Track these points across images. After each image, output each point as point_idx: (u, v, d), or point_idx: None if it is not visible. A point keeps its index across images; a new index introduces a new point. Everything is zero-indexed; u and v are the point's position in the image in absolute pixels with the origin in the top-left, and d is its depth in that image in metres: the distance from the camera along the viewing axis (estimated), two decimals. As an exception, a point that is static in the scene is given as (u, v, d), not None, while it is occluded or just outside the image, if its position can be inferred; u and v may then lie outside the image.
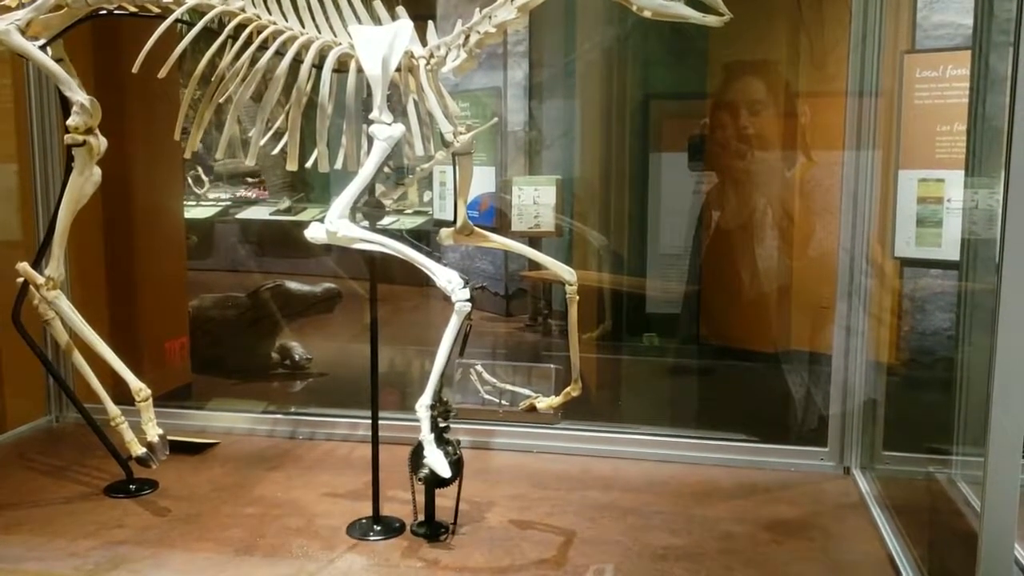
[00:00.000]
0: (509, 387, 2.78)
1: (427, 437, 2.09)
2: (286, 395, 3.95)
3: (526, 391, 2.63)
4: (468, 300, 2.07)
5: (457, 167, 2.32)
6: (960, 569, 1.73)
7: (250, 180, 5.73)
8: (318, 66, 2.21)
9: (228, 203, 5.76)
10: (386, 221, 5.17)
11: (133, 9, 2.35)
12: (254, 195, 5.77)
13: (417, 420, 2.14)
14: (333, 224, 2.09)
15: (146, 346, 3.58)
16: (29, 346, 2.60)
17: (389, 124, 2.12)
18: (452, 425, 3.02)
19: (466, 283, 2.09)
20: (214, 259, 5.46)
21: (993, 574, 1.58)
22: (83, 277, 3.35)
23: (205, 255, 5.42)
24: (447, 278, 2.08)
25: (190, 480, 2.71)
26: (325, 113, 2.19)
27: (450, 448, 2.19)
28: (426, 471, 2.15)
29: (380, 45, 2.13)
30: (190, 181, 5.74)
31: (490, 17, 2.12)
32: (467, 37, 2.16)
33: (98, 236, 3.46)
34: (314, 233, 2.13)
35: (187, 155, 2.38)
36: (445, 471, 2.08)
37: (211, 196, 5.75)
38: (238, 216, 5.56)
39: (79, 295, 3.22)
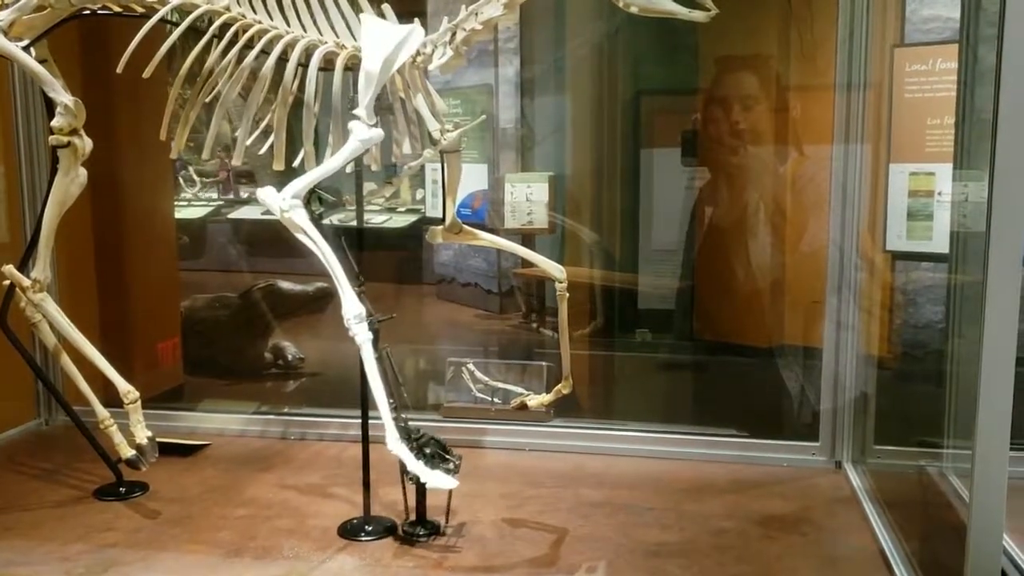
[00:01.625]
0: (501, 385, 2.78)
1: (415, 468, 2.01)
2: (279, 395, 3.94)
3: (518, 389, 2.63)
4: (363, 335, 2.01)
5: (445, 165, 2.31)
6: (950, 561, 1.73)
7: (206, 179, 5.72)
8: (304, 65, 2.19)
9: (220, 203, 5.75)
10: (378, 220, 5.17)
11: (117, 9, 2.33)
12: (219, 192, 5.76)
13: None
14: (287, 202, 2.06)
15: (138, 348, 3.57)
16: (17, 349, 2.59)
17: (370, 126, 2.09)
18: (446, 424, 3.03)
19: (370, 316, 2.05)
20: (205, 259, 5.45)
21: (981, 566, 1.58)
22: (73, 279, 3.34)
23: (196, 255, 5.40)
24: (353, 311, 2.02)
25: (181, 482, 2.70)
26: (311, 112, 2.18)
27: (451, 465, 2.16)
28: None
29: (387, 45, 2.10)
30: (181, 181, 5.72)
31: (477, 14, 2.11)
32: (454, 34, 2.15)
33: (88, 237, 3.44)
34: (267, 197, 2.08)
35: (174, 155, 2.36)
36: (449, 484, 2.02)
37: (190, 196, 5.74)
38: (229, 216, 5.55)
39: (69, 297, 3.20)
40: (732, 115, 3.95)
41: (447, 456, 2.20)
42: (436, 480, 2.01)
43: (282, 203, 2.06)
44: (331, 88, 2.18)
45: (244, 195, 5.80)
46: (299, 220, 2.07)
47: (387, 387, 2.07)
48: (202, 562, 2.18)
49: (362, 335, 2.02)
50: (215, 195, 5.81)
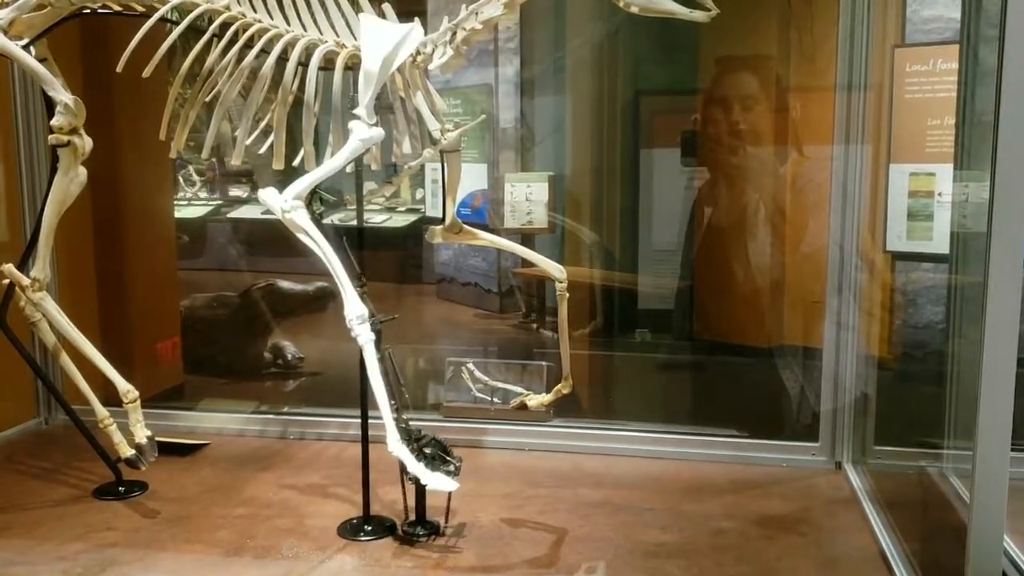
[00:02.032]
0: (500, 385, 2.77)
1: (416, 470, 2.02)
2: (278, 395, 3.94)
3: (517, 388, 2.62)
4: (365, 336, 2.01)
5: (445, 165, 2.31)
6: (951, 562, 1.73)
7: (197, 179, 5.73)
8: (304, 64, 2.19)
9: (219, 202, 5.75)
10: (378, 219, 5.17)
11: (117, 8, 2.33)
12: (207, 191, 5.77)
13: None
14: (288, 203, 2.05)
15: (137, 347, 3.56)
16: (16, 348, 2.58)
17: (371, 125, 2.09)
18: (446, 424, 3.03)
19: (372, 317, 2.05)
20: (205, 258, 5.45)
21: (982, 567, 1.58)
22: (73, 278, 3.33)
23: (196, 254, 5.40)
24: (355, 312, 2.02)
25: (180, 481, 2.69)
26: (311, 111, 2.17)
27: (451, 467, 2.16)
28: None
29: (386, 44, 2.10)
30: (181, 180, 5.72)
31: (477, 13, 2.10)
32: (454, 34, 2.15)
33: (88, 237, 3.44)
34: (269, 199, 2.08)
35: (172, 154, 2.36)
36: (449, 486, 2.02)
37: (190, 195, 5.74)
38: (229, 215, 5.54)
39: (69, 296, 3.20)
40: (732, 115, 3.94)
41: (448, 458, 2.19)
42: (436, 482, 2.01)
43: (283, 204, 2.06)
44: (331, 87, 2.18)
45: (233, 194, 5.80)
46: (300, 221, 2.06)
47: (388, 388, 2.07)
48: (201, 562, 2.17)
49: (364, 336, 2.02)
50: (204, 194, 5.82)
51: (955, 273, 2.48)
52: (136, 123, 3.36)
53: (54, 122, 2.32)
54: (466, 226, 2.40)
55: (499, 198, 4.37)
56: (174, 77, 2.32)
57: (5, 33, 2.31)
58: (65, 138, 2.34)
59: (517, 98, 4.66)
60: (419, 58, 2.19)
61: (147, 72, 2.20)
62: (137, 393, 2.49)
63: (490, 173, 4.65)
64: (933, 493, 2.45)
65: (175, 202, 4.72)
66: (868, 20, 2.65)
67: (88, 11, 2.34)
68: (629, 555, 2.19)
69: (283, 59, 2.19)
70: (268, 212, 2.13)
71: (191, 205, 5.72)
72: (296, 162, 2.26)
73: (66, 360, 2.57)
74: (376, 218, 5.17)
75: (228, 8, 2.22)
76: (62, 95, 2.31)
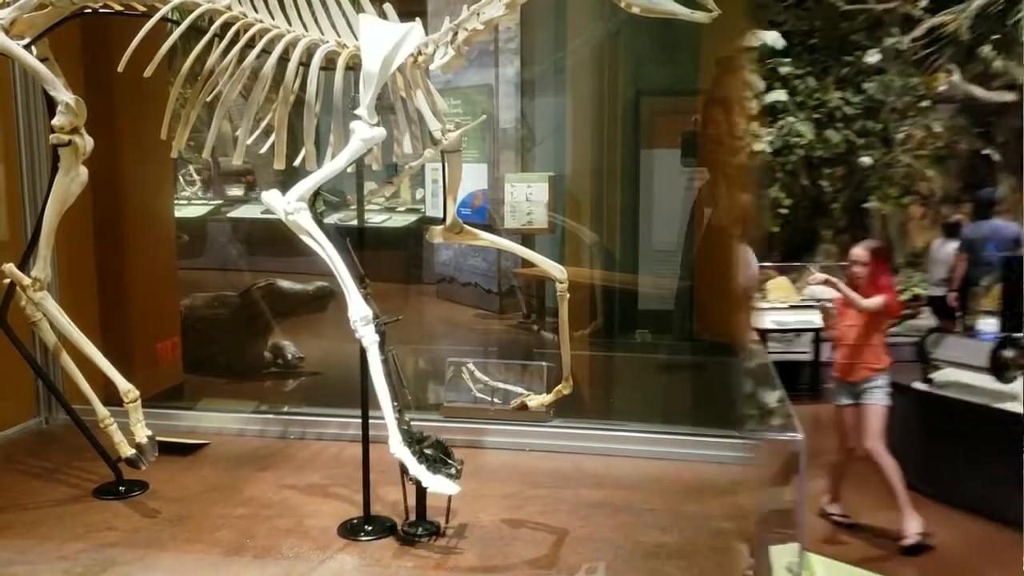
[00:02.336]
0: (500, 385, 2.77)
1: (417, 472, 2.02)
2: (278, 395, 3.94)
3: (518, 389, 2.62)
4: (370, 338, 2.01)
5: (446, 165, 2.31)
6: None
7: (198, 178, 5.75)
8: (305, 64, 2.19)
9: (219, 202, 5.77)
10: (378, 219, 5.18)
11: (119, 7, 2.33)
12: (203, 191, 5.79)
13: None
14: (291, 205, 2.05)
15: (137, 346, 3.56)
16: (17, 348, 2.58)
17: (372, 125, 2.09)
18: (446, 424, 3.03)
19: (376, 318, 2.06)
20: (205, 258, 5.45)
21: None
22: (73, 278, 3.33)
23: (196, 254, 5.41)
24: (360, 314, 2.02)
25: (180, 481, 2.69)
26: (312, 111, 2.17)
27: (453, 470, 2.16)
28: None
29: (385, 44, 2.10)
30: (182, 180, 5.73)
31: (478, 14, 2.11)
32: (455, 34, 2.15)
33: (88, 236, 3.44)
34: (271, 200, 2.07)
35: (173, 154, 2.36)
36: (451, 489, 2.03)
37: (189, 194, 5.76)
38: (229, 215, 5.55)
39: (69, 296, 3.19)
40: (732, 115, 3.95)
41: (449, 460, 2.19)
42: (437, 485, 2.01)
43: (287, 206, 2.06)
44: (332, 87, 2.18)
45: (231, 194, 5.81)
46: (304, 223, 2.06)
47: (391, 390, 2.07)
48: (201, 561, 2.17)
49: (369, 337, 2.02)
50: (199, 194, 5.84)
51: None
52: (137, 123, 3.36)
53: (55, 122, 2.32)
54: (467, 226, 2.40)
55: (499, 198, 4.38)
56: (175, 77, 2.32)
57: (6, 32, 2.30)
58: (66, 138, 2.34)
59: (517, 98, 4.67)
60: (420, 58, 2.19)
61: (148, 72, 2.19)
62: (137, 393, 2.48)
63: (490, 173, 4.66)
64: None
65: (175, 202, 4.73)
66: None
67: (89, 11, 2.34)
68: (629, 556, 2.19)
69: (284, 59, 2.19)
70: (268, 212, 2.13)
71: (191, 205, 5.73)
72: (297, 162, 2.26)
73: (67, 360, 2.57)
74: (376, 218, 5.18)
75: (229, 8, 2.22)
76: (63, 95, 2.31)
